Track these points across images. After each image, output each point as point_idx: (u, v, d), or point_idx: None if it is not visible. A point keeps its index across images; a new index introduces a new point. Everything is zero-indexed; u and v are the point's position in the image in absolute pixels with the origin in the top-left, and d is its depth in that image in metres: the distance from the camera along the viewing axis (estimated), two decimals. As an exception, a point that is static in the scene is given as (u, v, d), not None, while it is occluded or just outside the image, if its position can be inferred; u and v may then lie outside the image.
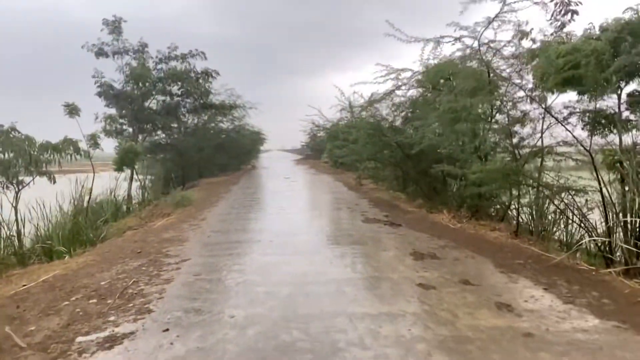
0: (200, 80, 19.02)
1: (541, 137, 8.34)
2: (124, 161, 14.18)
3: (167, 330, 3.95)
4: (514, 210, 9.10)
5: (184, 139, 20.28)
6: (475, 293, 4.77)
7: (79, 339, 3.91)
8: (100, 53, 15.95)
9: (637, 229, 5.87)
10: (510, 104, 8.75)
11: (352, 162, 17.11)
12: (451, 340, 3.63)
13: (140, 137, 17.27)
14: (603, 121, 6.94)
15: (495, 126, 9.14)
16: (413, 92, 12.41)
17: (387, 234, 8.07)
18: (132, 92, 16.53)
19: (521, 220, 8.71)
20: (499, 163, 7.48)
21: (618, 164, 6.29)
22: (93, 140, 11.14)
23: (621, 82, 6.71)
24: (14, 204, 9.46)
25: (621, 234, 6.02)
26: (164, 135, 19.51)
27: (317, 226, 9.21)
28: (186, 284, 5.28)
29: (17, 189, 9.51)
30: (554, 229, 8.14)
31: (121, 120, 16.71)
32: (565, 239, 7.87)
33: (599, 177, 6.31)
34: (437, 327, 3.90)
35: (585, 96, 7.17)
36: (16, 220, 9.47)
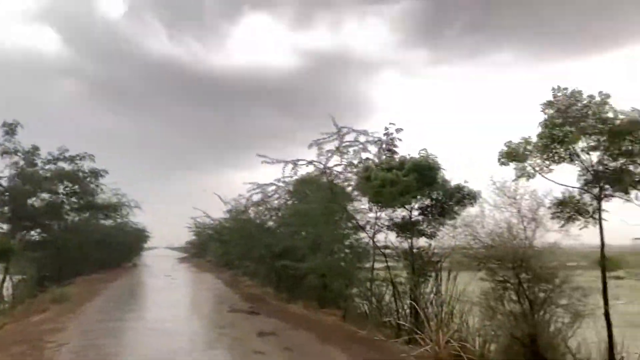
0: (88, 179, 19.80)
1: (372, 239, 10.86)
2: (-4, 258, 14.42)
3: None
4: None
5: (63, 235, 20.43)
6: (292, 356, 6.70)
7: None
8: (-9, 150, 16.50)
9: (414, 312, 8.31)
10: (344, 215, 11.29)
11: (229, 261, 18.71)
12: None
13: (18, 234, 17.41)
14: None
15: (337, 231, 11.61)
16: (281, 201, 14.88)
17: (245, 320, 9.87)
18: (18, 190, 16.98)
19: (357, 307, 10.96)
20: (326, 258, 9.81)
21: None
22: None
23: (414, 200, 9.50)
24: None
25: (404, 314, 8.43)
26: (42, 232, 19.56)
27: (186, 317, 10.66)
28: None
29: None
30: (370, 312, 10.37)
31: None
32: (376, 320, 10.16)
33: (390, 273, 8.81)
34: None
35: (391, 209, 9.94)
36: None
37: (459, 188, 9.19)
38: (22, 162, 17.43)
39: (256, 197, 14.48)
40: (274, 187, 13.90)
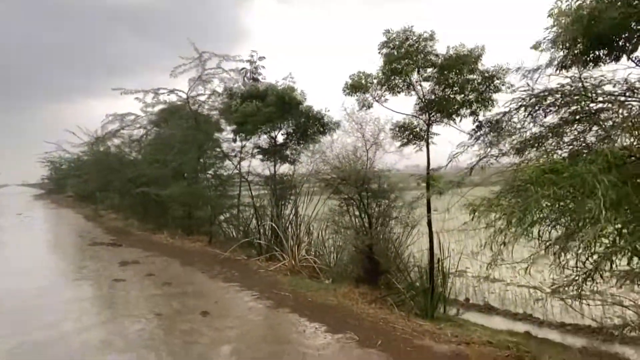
0: None
1: (236, 167, 11.03)
2: None
3: None
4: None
5: None
6: (153, 280, 6.86)
7: None
8: None
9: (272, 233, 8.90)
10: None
11: (90, 195, 17.75)
12: (119, 299, 5.60)
13: None
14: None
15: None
16: (142, 131, 14.24)
17: (107, 252, 9.68)
18: None
19: (224, 232, 11.31)
20: (189, 186, 9.93)
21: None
22: None
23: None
24: None
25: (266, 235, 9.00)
26: None
27: (42, 254, 10.20)
28: None
29: None
30: (238, 236, 10.81)
31: None
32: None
33: (252, 197, 9.21)
34: (111, 296, 5.83)
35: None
36: None
37: (321, 115, 9.67)
38: None
39: (113, 126, 13.72)
40: (133, 117, 13.27)
